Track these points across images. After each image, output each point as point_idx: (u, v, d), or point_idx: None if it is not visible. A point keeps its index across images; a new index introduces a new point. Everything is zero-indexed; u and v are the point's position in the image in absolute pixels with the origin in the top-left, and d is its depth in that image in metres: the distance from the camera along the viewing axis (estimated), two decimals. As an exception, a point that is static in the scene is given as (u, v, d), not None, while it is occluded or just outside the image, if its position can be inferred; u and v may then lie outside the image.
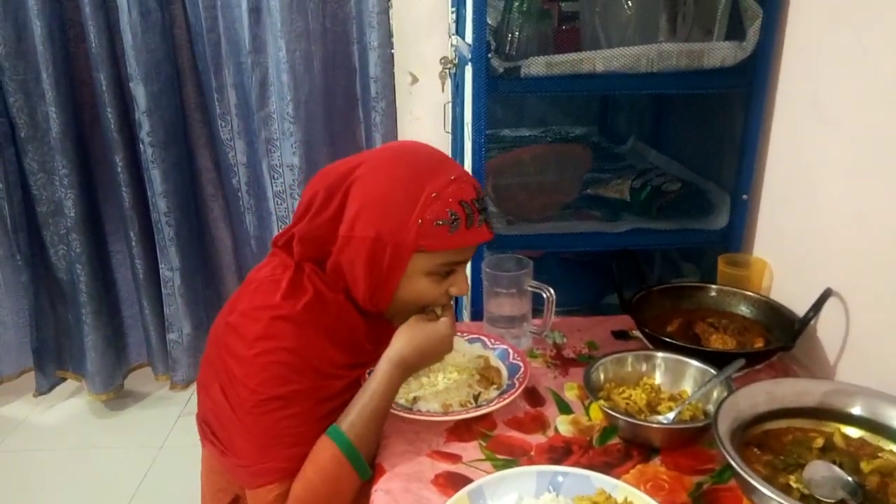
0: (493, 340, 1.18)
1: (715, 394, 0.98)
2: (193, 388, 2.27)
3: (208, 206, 2.27)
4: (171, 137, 2.09)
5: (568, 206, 1.52)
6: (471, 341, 1.17)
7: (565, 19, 1.41)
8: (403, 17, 2.00)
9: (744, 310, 1.24)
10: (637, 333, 1.21)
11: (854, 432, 0.89)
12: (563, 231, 1.42)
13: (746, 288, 1.26)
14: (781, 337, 1.13)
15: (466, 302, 1.44)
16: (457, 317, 1.50)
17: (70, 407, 2.42)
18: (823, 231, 1.14)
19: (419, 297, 0.98)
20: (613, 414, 0.95)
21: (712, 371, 1.01)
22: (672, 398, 1.02)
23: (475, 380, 1.06)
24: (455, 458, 0.94)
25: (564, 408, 1.05)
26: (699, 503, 0.85)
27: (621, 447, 0.96)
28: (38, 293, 2.26)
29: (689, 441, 0.95)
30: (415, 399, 1.03)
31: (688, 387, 1.04)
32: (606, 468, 0.90)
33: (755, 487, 0.74)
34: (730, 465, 0.78)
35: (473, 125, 1.27)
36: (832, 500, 0.77)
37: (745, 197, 1.34)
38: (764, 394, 0.91)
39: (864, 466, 0.82)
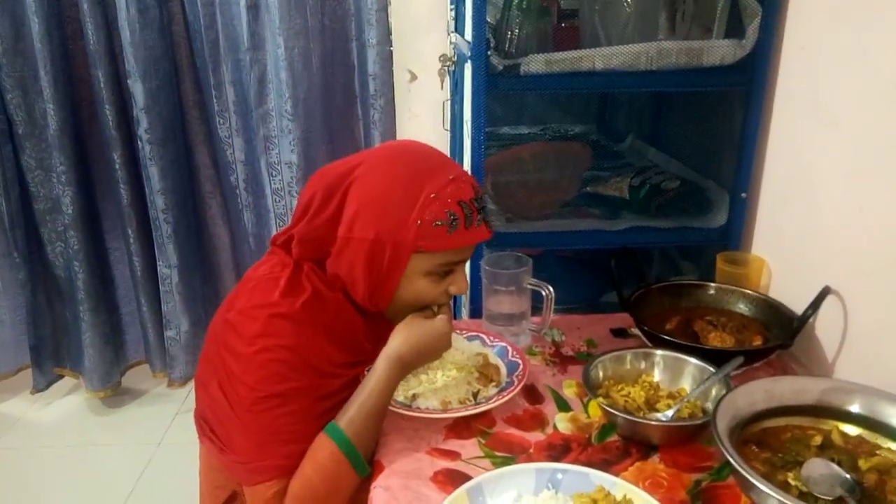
0: (492, 338, 1.18)
1: (713, 391, 0.99)
2: (191, 385, 2.26)
3: (206, 204, 2.26)
4: (169, 134, 2.09)
5: (567, 203, 1.52)
6: (470, 339, 1.18)
7: (565, 17, 1.41)
8: (402, 14, 2.00)
9: (742, 308, 1.24)
10: (636, 331, 1.21)
11: (852, 430, 0.89)
12: (562, 229, 1.43)
13: (745, 286, 1.26)
14: (780, 335, 1.14)
15: (465, 299, 1.45)
16: (455, 314, 1.50)
17: (67, 404, 2.41)
18: (822, 229, 1.14)
19: (418, 296, 0.98)
20: (612, 411, 0.96)
21: (711, 369, 1.01)
22: (671, 396, 1.02)
23: (474, 377, 1.07)
24: (454, 456, 0.94)
25: (563, 405, 1.06)
26: (698, 500, 0.85)
27: (620, 444, 0.96)
28: (35, 290, 2.25)
29: (688, 438, 0.95)
30: (414, 396, 1.03)
31: (686, 384, 1.04)
32: (605, 465, 0.90)
33: (754, 485, 0.74)
34: (728, 463, 0.78)
35: (473, 123, 1.27)
36: (830, 498, 0.77)
37: (743, 195, 1.34)
38: (762, 392, 0.91)
39: (862, 464, 0.83)
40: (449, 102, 1.94)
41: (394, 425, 1.00)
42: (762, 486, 0.74)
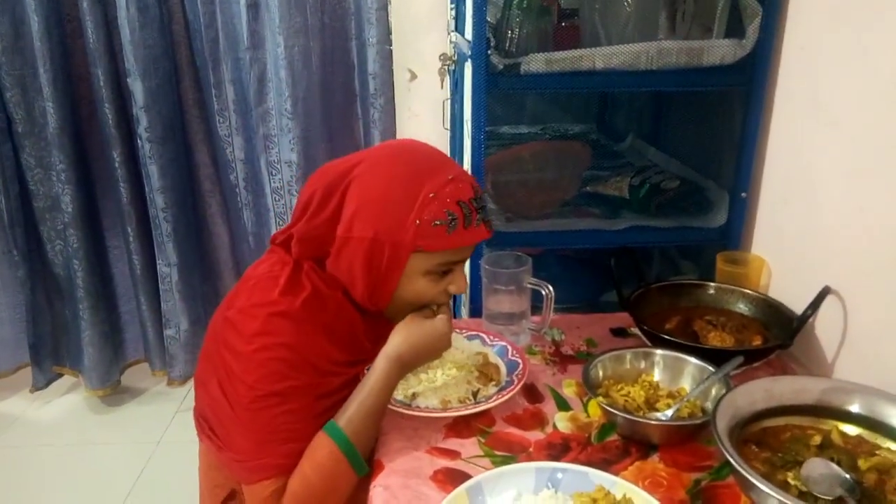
0: (491, 337, 1.18)
1: (713, 391, 0.99)
2: (191, 383, 2.26)
3: (206, 202, 2.26)
4: (169, 133, 2.09)
5: (567, 203, 1.52)
6: (470, 338, 1.18)
7: (565, 16, 1.41)
8: (402, 13, 2.00)
9: (742, 307, 1.24)
10: (635, 331, 1.21)
11: (852, 430, 0.89)
12: (562, 228, 1.43)
13: (745, 286, 1.26)
14: (780, 335, 1.14)
15: (465, 298, 1.44)
16: (455, 314, 1.50)
17: (67, 403, 2.41)
18: (822, 229, 1.14)
19: (418, 296, 0.98)
20: (612, 411, 0.96)
21: (710, 368, 1.01)
22: (670, 395, 1.02)
23: (474, 376, 1.07)
24: (454, 455, 0.94)
25: (563, 404, 1.06)
26: (697, 500, 0.85)
27: (620, 444, 0.96)
28: (34, 288, 2.25)
29: (688, 438, 0.95)
30: (414, 395, 1.03)
31: (686, 384, 1.04)
32: (605, 465, 0.90)
33: (753, 484, 0.74)
34: (728, 462, 0.78)
35: (473, 122, 1.27)
36: (830, 498, 0.77)
37: (743, 195, 1.34)
38: (762, 391, 0.91)
39: (862, 464, 0.83)
40: (449, 101, 1.94)
41: (393, 424, 1.00)
42: (762, 486, 0.74)
